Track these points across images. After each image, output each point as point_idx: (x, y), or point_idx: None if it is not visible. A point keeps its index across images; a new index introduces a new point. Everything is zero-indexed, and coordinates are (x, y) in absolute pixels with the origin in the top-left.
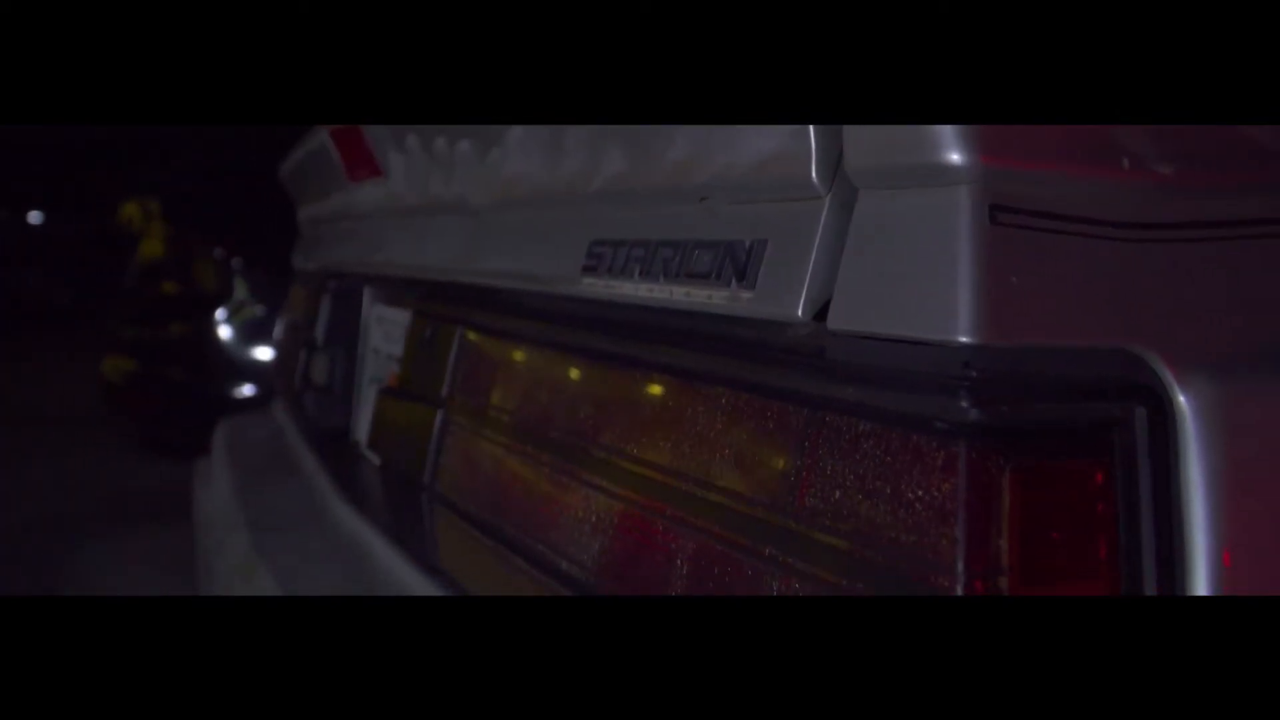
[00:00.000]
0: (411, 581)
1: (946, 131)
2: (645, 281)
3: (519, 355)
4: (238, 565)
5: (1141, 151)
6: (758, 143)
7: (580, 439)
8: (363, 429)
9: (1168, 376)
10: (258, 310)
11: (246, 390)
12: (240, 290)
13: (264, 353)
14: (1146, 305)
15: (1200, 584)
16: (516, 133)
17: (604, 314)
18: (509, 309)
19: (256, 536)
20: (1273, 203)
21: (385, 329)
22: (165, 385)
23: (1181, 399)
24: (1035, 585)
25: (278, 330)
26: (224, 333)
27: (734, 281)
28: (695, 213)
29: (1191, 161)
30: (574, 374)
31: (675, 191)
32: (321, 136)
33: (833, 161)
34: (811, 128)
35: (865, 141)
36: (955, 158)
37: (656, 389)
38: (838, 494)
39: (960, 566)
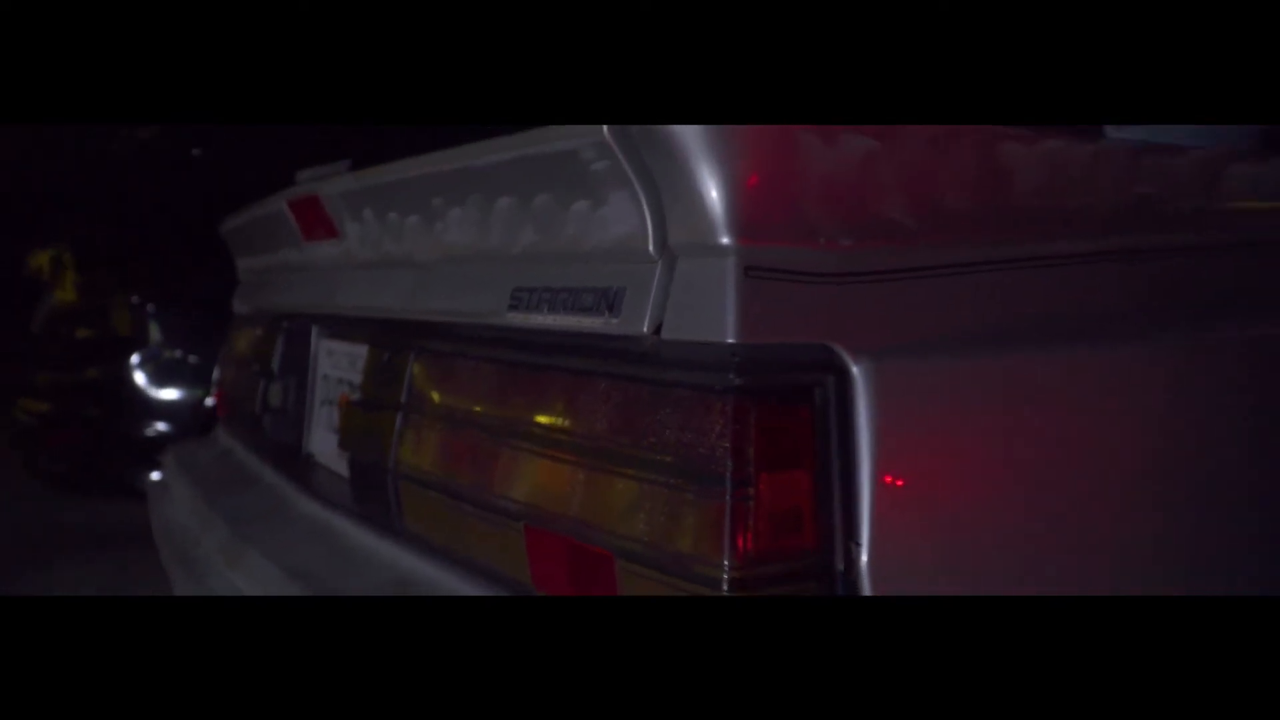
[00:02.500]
0: (382, 548)
1: (723, 229)
2: (550, 314)
3: (459, 369)
4: (222, 547)
5: (829, 232)
6: (620, 229)
7: (504, 418)
8: (316, 443)
9: (847, 359)
10: (173, 354)
11: (161, 429)
12: (154, 334)
13: (177, 394)
14: (835, 318)
15: (865, 474)
16: (456, 211)
17: (522, 337)
18: (451, 337)
19: (235, 528)
20: (924, 255)
21: (334, 359)
22: (80, 425)
23: (855, 371)
24: (770, 470)
25: (219, 365)
26: (139, 376)
27: (607, 313)
28: (582, 269)
29: (865, 234)
30: (499, 378)
31: (570, 255)
32: (279, 205)
33: (662, 242)
34: (650, 223)
35: (681, 231)
36: (726, 241)
37: (557, 383)
38: (667, 430)
39: (729, 461)
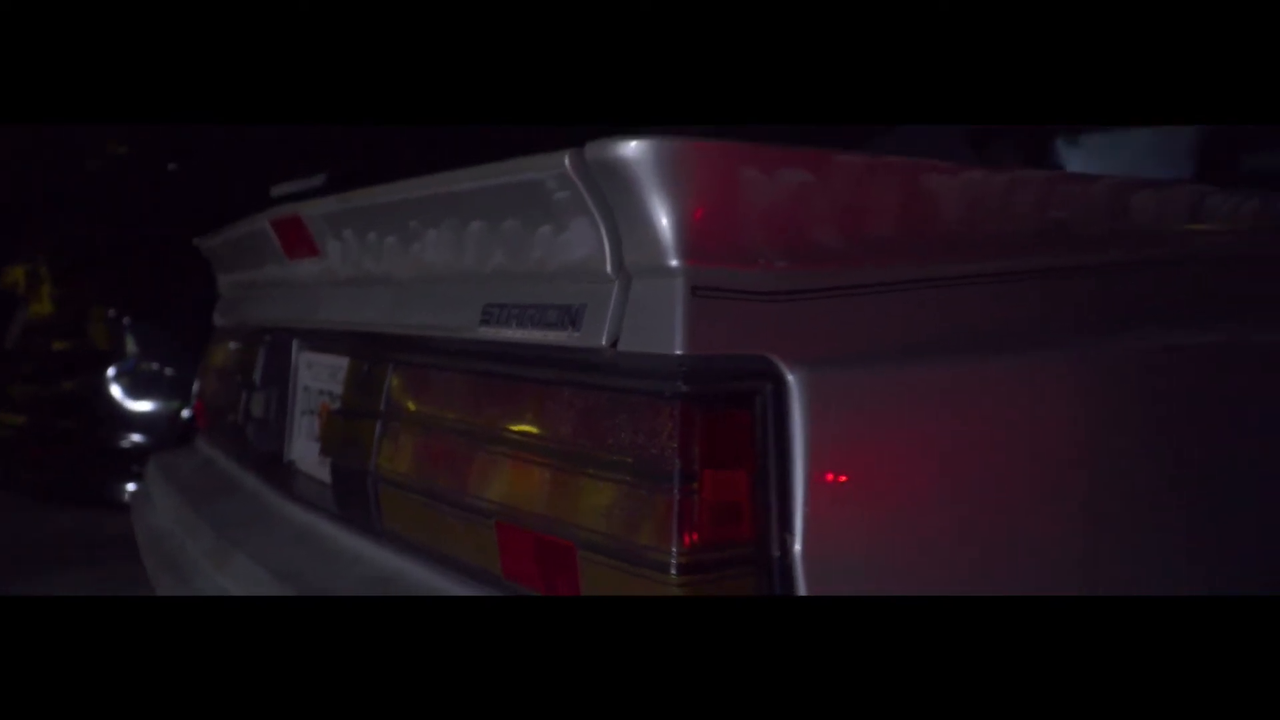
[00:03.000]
0: (363, 548)
1: (672, 253)
2: (519, 329)
3: (435, 379)
4: (209, 552)
5: (768, 255)
6: (580, 252)
7: (477, 424)
8: (297, 451)
9: (783, 369)
10: (149, 366)
11: (138, 441)
12: (131, 347)
13: (153, 407)
14: (773, 332)
15: (799, 473)
16: (432, 233)
17: (493, 350)
18: (427, 350)
19: (222, 533)
20: (854, 275)
21: (314, 371)
22: (57, 437)
23: (791, 379)
24: (714, 469)
25: (200, 378)
26: (115, 389)
27: (569, 327)
28: (547, 288)
29: (800, 256)
30: (472, 387)
31: (536, 275)
32: (262, 224)
33: (618, 264)
34: (607, 247)
35: (635, 254)
36: (675, 264)
37: (524, 392)
38: (623, 433)
39: (677, 460)
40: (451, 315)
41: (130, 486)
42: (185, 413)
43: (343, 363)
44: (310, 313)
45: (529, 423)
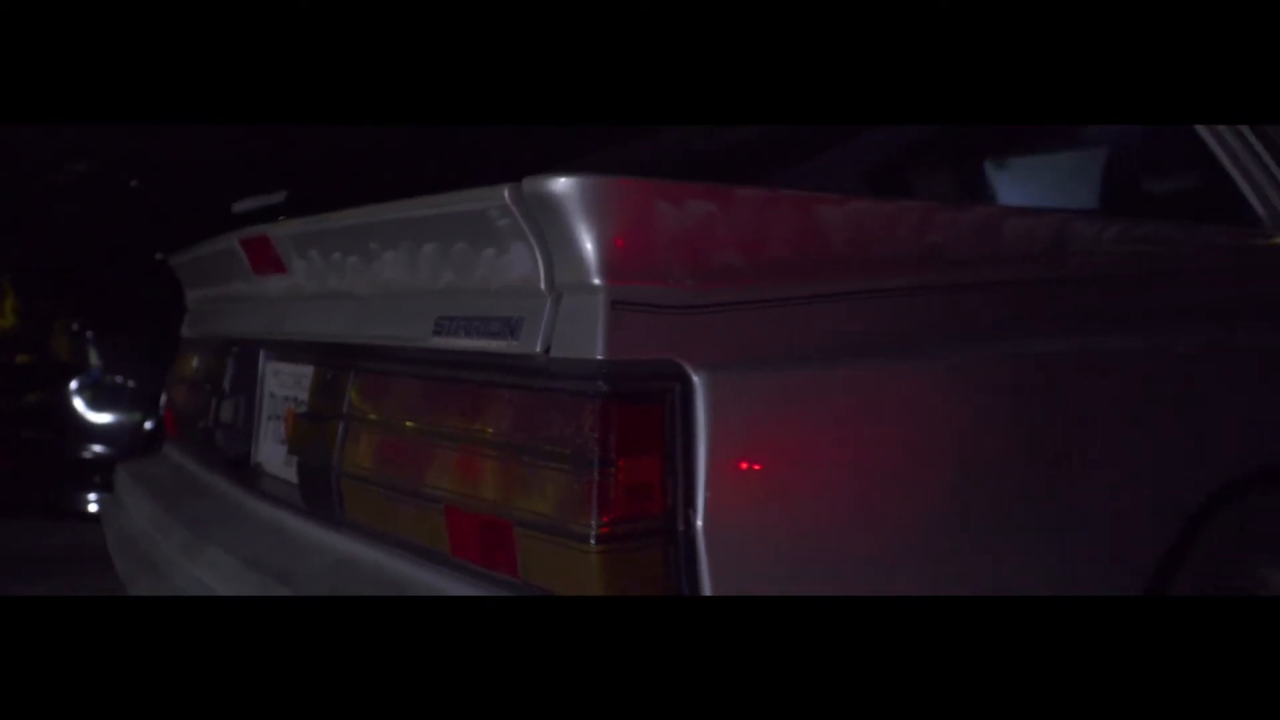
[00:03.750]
0: (326, 537)
1: (596, 274)
2: (466, 338)
3: (393, 384)
4: (183, 547)
5: (677, 275)
6: (519, 272)
7: (430, 422)
8: (264, 453)
9: (689, 371)
10: (112, 379)
11: (101, 452)
12: (94, 359)
13: (116, 418)
14: (681, 340)
15: (702, 459)
16: (390, 254)
17: (443, 357)
18: (386, 357)
19: (194, 530)
20: (753, 291)
21: (280, 379)
22: (20, 449)
23: (695, 380)
24: (628, 455)
25: (168, 387)
26: (78, 401)
27: (509, 337)
28: (490, 302)
29: (705, 276)
30: (426, 390)
31: (481, 292)
32: (232, 243)
33: (551, 282)
34: (541, 268)
35: (565, 275)
36: (598, 283)
37: (471, 392)
38: (553, 426)
39: (597, 448)
40: (407, 326)
41: (93, 497)
42: (148, 424)
43: (308, 370)
44: (277, 325)
45: (474, 419)
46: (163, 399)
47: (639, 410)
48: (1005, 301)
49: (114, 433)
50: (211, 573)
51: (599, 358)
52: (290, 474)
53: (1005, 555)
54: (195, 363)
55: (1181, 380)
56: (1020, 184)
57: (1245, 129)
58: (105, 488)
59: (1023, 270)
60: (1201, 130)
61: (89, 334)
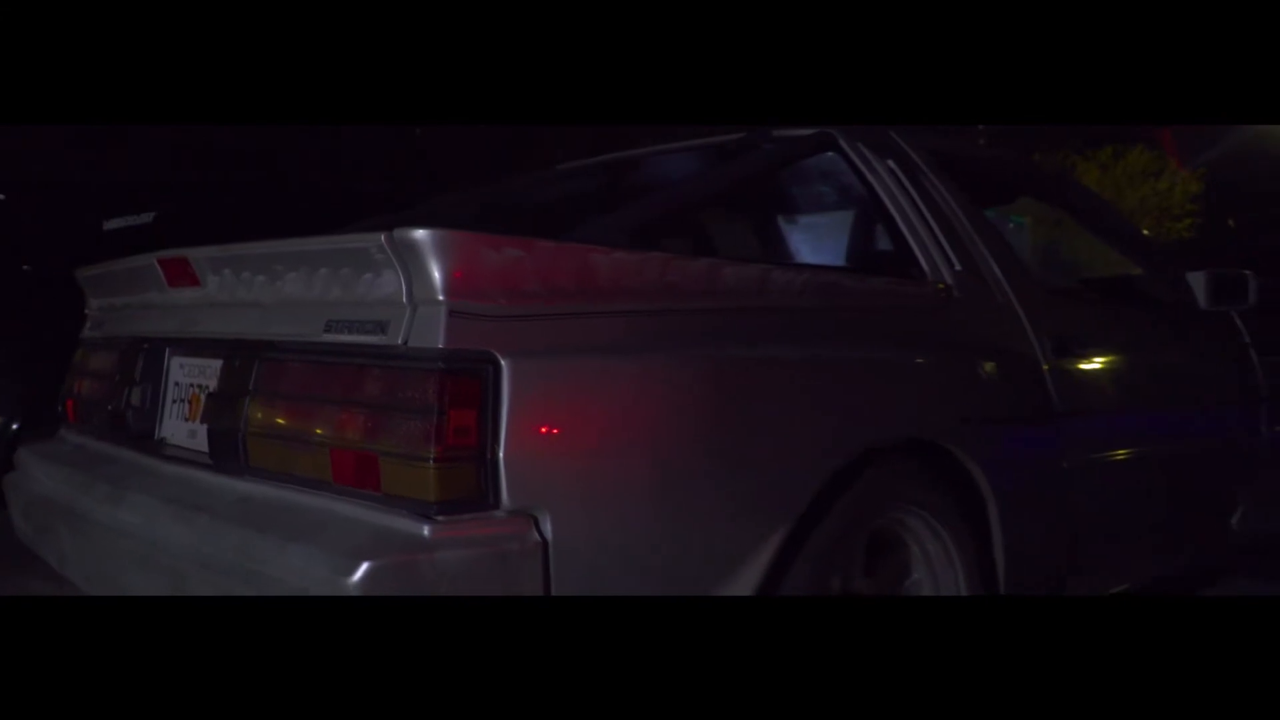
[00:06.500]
0: (231, 482)
1: (440, 293)
2: (349, 335)
3: (291, 366)
4: (104, 498)
5: (494, 295)
6: (389, 290)
7: (321, 393)
8: (168, 430)
9: (499, 358)
10: None
11: None
12: None
13: None
14: (495, 338)
15: (505, 414)
16: (292, 274)
17: (332, 347)
18: (288, 349)
19: (113, 483)
20: (547, 306)
21: (186, 370)
22: None
23: (503, 364)
24: (456, 409)
25: (69, 380)
26: None
27: (381, 333)
28: (368, 309)
29: (513, 296)
30: (317, 371)
31: (361, 302)
32: (150, 261)
33: (410, 297)
34: (404, 288)
35: (420, 292)
36: (441, 299)
37: (352, 372)
38: (409, 392)
39: (436, 404)
40: (304, 326)
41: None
42: (15, 425)
43: (215, 362)
44: (187, 327)
45: (353, 391)
46: (62, 389)
47: (465, 381)
48: (714, 322)
49: None
50: (134, 513)
51: (440, 347)
52: (194, 442)
53: (702, 491)
54: (101, 359)
55: (837, 378)
56: (789, 241)
57: (919, 200)
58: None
59: (729, 301)
60: (888, 204)
61: None
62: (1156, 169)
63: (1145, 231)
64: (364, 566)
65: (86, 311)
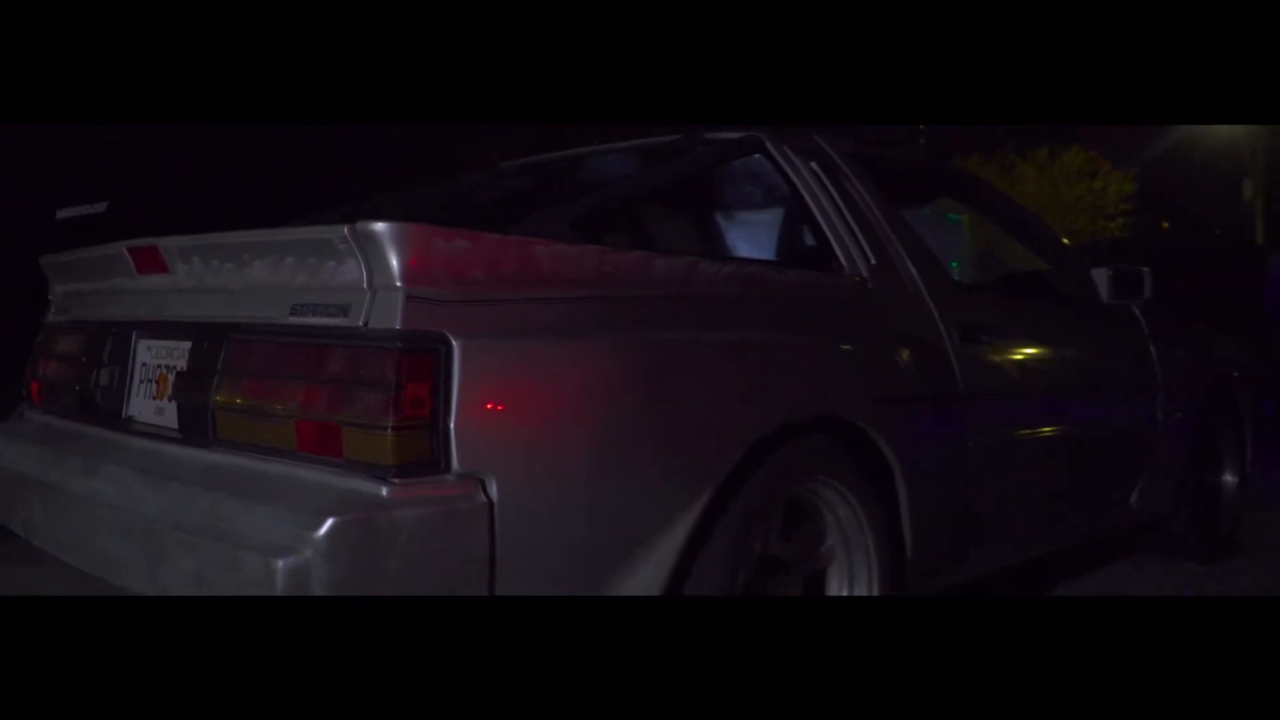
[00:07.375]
0: (199, 454)
1: (397, 279)
2: (314, 317)
3: (259, 346)
4: (79, 469)
5: (445, 282)
6: (350, 277)
7: (286, 370)
8: (135, 408)
9: (451, 338)
10: None
11: None
12: None
13: None
14: (447, 320)
15: (455, 387)
16: (259, 263)
17: (298, 329)
18: (255, 330)
19: (86, 456)
20: (493, 292)
21: (153, 352)
22: None
23: (454, 343)
24: (412, 382)
25: (33, 363)
26: None
27: (343, 316)
28: (333, 294)
29: (461, 282)
30: (284, 349)
31: (326, 287)
32: (119, 249)
33: (370, 283)
34: (365, 275)
35: (379, 279)
36: (399, 285)
37: (316, 350)
38: (370, 367)
39: (394, 377)
40: (271, 309)
41: None
42: None
43: (184, 344)
44: (156, 311)
45: (317, 368)
46: (28, 372)
47: (420, 359)
48: (646, 308)
49: None
50: (108, 482)
51: (398, 328)
52: (162, 419)
53: (634, 460)
54: (67, 342)
55: (758, 360)
56: (721, 237)
57: (839, 199)
58: None
59: (661, 290)
60: (810, 203)
61: None
62: (1091, 169)
63: (1079, 230)
64: (329, 522)
65: (50, 297)
